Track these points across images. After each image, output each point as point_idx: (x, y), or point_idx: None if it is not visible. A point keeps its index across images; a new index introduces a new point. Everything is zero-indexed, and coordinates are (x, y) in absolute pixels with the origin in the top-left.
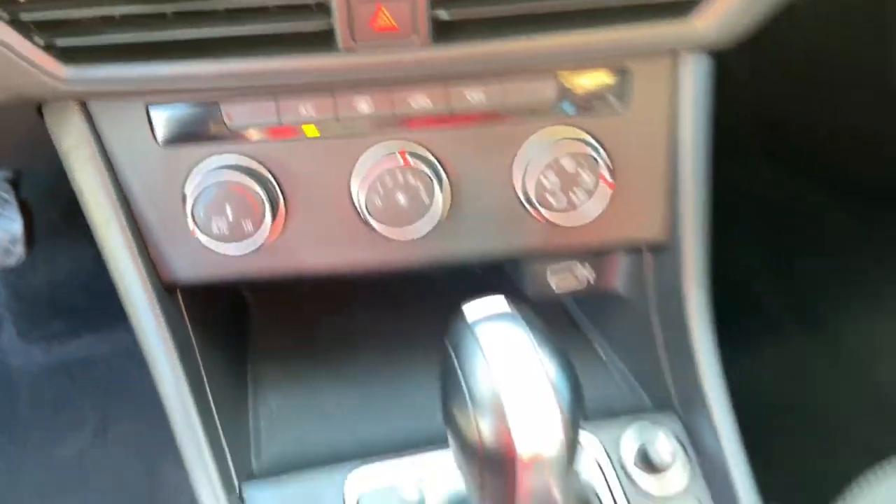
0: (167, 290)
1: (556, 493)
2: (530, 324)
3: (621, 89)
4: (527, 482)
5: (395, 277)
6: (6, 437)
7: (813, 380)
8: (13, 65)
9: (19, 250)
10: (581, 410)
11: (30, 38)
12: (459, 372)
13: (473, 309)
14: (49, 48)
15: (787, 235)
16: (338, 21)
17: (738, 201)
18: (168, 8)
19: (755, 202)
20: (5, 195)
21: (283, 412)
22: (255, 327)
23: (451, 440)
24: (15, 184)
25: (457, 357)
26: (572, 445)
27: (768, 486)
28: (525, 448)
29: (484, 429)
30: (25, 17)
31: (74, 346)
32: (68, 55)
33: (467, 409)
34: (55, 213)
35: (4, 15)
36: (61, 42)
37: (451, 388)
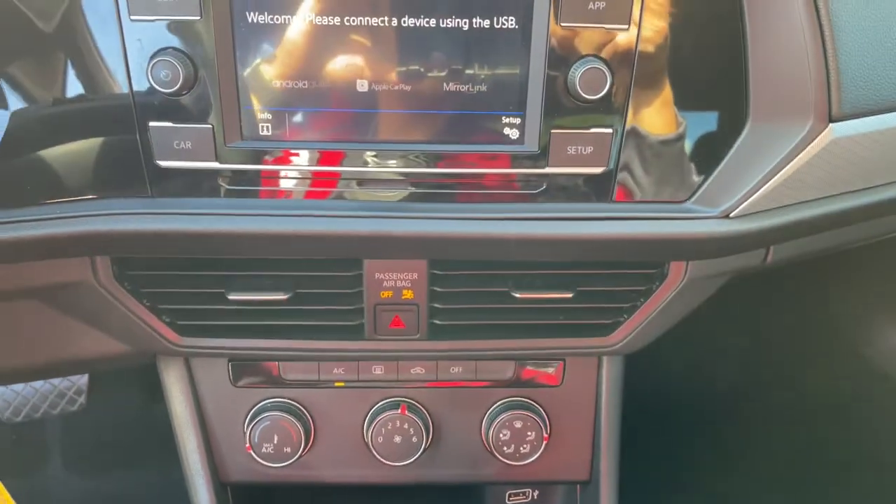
0: (221, 484)
1: None
2: None
3: (559, 373)
4: None
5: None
6: None
7: None
8: (146, 334)
9: (83, 400)
10: None
11: (160, 318)
12: None
13: None
14: (171, 324)
15: None
16: (367, 322)
17: None
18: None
19: None
20: None
21: None
22: None
23: None
24: None
25: None
26: None
27: None
28: None
29: None
30: (161, 307)
31: (115, 480)
32: (184, 330)
33: None
34: None
35: (147, 303)
36: (181, 322)
37: None
